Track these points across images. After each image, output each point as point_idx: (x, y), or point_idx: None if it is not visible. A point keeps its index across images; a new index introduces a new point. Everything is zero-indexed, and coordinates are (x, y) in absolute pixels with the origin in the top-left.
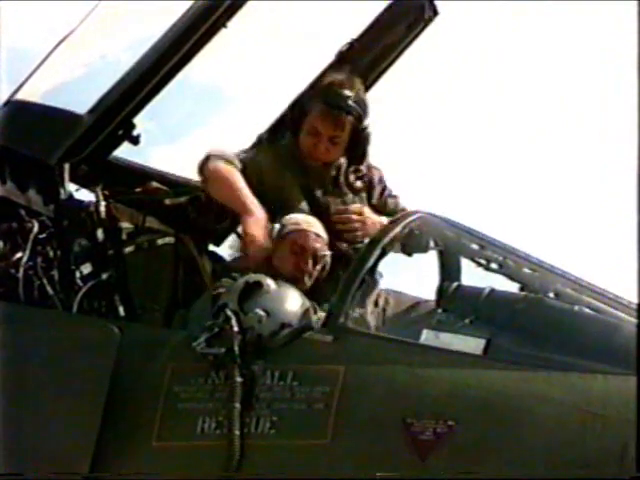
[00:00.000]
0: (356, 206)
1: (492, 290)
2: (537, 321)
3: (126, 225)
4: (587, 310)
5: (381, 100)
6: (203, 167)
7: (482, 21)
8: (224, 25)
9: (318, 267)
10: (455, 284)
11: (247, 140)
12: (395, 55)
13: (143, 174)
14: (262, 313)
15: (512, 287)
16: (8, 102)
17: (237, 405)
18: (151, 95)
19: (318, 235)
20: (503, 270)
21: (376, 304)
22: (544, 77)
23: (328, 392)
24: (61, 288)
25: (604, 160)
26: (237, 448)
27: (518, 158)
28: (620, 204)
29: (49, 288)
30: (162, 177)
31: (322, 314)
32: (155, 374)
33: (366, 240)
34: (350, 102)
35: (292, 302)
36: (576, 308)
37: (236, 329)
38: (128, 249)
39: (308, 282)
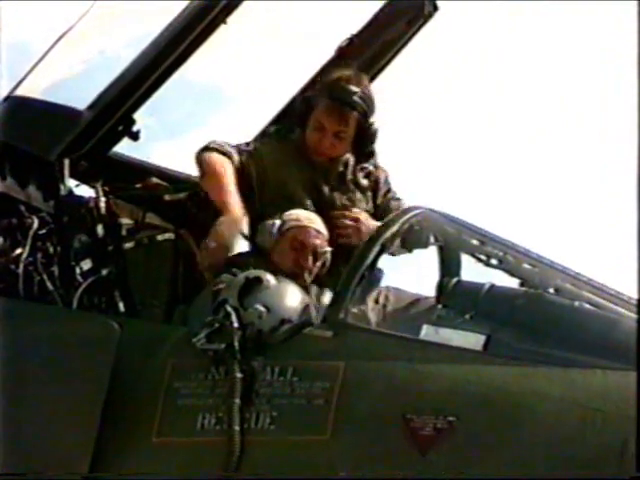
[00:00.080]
0: (356, 211)
1: (492, 286)
2: (537, 317)
3: (126, 221)
4: (587, 306)
5: (380, 96)
6: (199, 156)
7: (481, 20)
8: (224, 21)
9: (318, 263)
10: (455, 280)
11: (247, 138)
12: (395, 51)
13: (143, 170)
14: (262, 309)
15: (512, 283)
16: (8, 98)
17: (237, 401)
18: (151, 91)
19: (319, 231)
20: (503, 266)
21: (376, 301)
22: (544, 77)
23: (328, 388)
24: (61, 284)
25: (604, 160)
26: (237, 444)
27: (518, 157)
28: (620, 204)
29: (49, 284)
30: (162, 173)
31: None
32: (155, 370)
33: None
34: (356, 98)
35: (292, 298)
36: (576, 304)
37: (236, 325)
38: (128, 245)
39: (308, 278)
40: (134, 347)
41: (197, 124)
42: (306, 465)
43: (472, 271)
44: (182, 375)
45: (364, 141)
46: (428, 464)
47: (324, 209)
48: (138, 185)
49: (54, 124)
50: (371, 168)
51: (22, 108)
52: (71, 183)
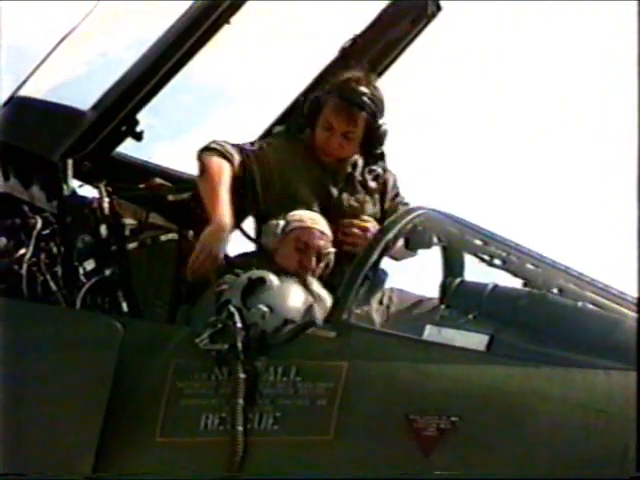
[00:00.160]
0: (366, 218)
1: (495, 286)
2: (540, 317)
3: (129, 221)
4: (590, 306)
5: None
6: (200, 157)
7: (484, 20)
8: (227, 21)
9: (321, 265)
10: (458, 280)
11: (249, 138)
12: (398, 51)
13: (146, 170)
14: (265, 309)
15: (515, 283)
16: (11, 99)
17: (240, 401)
18: (154, 91)
19: (322, 232)
20: (506, 266)
21: (381, 302)
22: (544, 77)
23: (331, 388)
24: (64, 284)
25: (604, 160)
26: (240, 444)
27: (518, 157)
28: (620, 204)
29: (52, 284)
30: (165, 173)
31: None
32: (158, 370)
33: None
34: (365, 98)
35: (295, 298)
36: (579, 304)
37: (239, 325)
38: (131, 245)
39: (311, 280)
40: (137, 347)
41: (199, 124)
42: (309, 465)
43: (475, 271)
44: (185, 375)
45: (373, 142)
46: (431, 464)
47: (331, 210)
48: (141, 185)
49: (57, 124)
50: (380, 171)
51: (25, 109)
52: (74, 183)
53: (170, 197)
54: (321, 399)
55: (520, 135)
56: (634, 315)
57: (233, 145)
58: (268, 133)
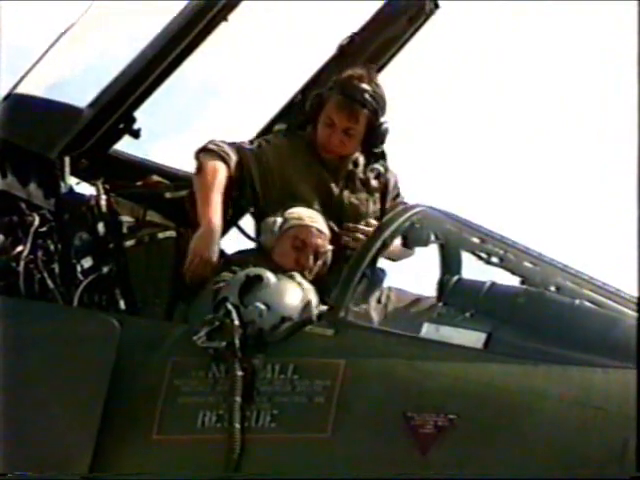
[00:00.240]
0: (371, 222)
1: (493, 284)
2: (538, 315)
3: (127, 219)
4: (588, 304)
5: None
6: (197, 157)
7: (482, 18)
8: (225, 19)
9: (319, 263)
10: (456, 278)
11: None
12: (396, 49)
13: (144, 168)
14: (262, 307)
15: (513, 281)
16: (9, 96)
17: (238, 399)
18: (152, 89)
19: (320, 231)
20: (504, 264)
21: (379, 301)
22: (544, 77)
23: (329, 386)
24: (62, 282)
25: (604, 160)
26: (238, 442)
27: (518, 157)
28: (620, 204)
29: (50, 282)
30: (163, 171)
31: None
32: (156, 368)
33: None
34: (366, 95)
35: (292, 295)
36: (577, 302)
37: (237, 323)
38: (129, 243)
39: (309, 277)
40: (135, 345)
41: (195, 121)
42: (306, 463)
43: (473, 269)
44: (183, 373)
45: (374, 140)
46: (429, 462)
47: (332, 208)
48: (139, 183)
49: (55, 122)
50: (381, 170)
51: (23, 106)
52: (72, 181)
53: (168, 195)
54: (318, 397)
55: (520, 134)
56: (632, 313)
57: (231, 144)
58: (266, 131)
